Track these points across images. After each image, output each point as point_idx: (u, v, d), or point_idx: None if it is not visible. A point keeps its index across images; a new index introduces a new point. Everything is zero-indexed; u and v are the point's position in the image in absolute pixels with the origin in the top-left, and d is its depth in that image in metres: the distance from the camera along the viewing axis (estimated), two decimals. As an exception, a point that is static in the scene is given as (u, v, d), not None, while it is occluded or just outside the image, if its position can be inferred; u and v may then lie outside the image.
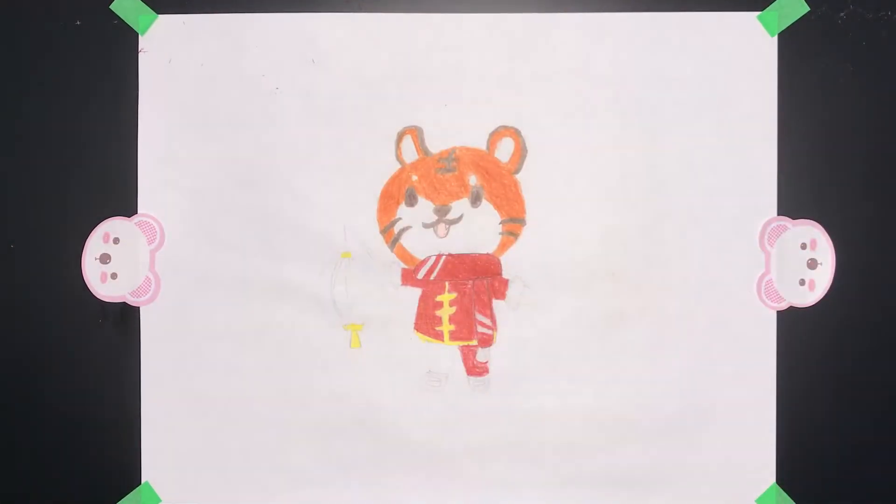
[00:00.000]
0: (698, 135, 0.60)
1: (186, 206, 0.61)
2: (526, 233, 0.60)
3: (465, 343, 0.61)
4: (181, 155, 0.60)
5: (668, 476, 0.61)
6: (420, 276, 0.61)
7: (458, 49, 0.60)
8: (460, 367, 0.61)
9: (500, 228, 0.61)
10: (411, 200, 0.60)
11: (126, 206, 0.61)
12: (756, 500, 0.61)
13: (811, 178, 0.60)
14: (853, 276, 0.60)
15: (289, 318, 0.61)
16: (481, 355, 0.61)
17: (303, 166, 0.60)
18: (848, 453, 0.61)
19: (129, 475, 0.61)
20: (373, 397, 0.61)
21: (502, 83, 0.60)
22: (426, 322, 0.61)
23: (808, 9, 0.60)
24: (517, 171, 0.60)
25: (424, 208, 0.61)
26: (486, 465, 0.61)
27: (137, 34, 0.60)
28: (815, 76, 0.60)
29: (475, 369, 0.61)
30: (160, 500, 0.61)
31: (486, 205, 0.60)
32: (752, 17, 0.60)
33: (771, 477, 0.61)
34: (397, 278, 0.61)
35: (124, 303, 0.61)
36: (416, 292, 0.61)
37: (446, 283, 0.61)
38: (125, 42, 0.60)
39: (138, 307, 0.61)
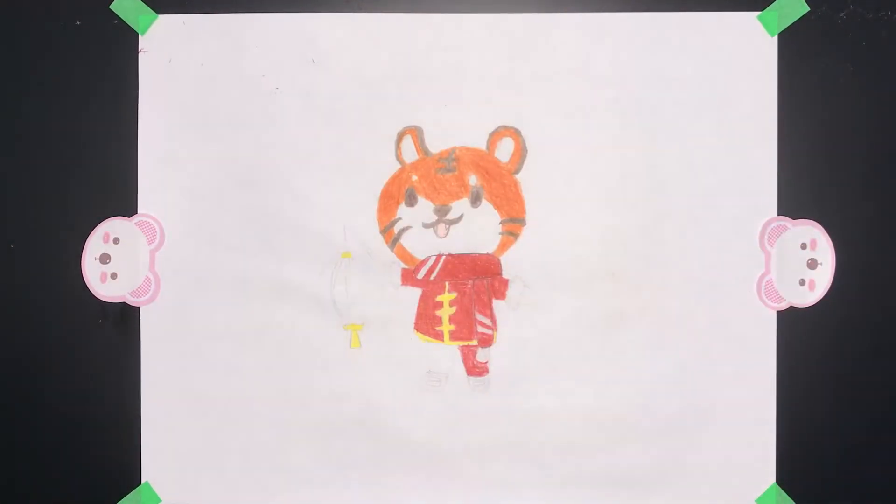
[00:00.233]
0: (698, 135, 0.60)
1: (186, 206, 0.61)
2: (526, 233, 0.60)
3: (465, 343, 0.61)
4: (181, 155, 0.60)
5: (668, 476, 0.61)
6: (420, 276, 0.61)
7: (458, 49, 0.60)
8: (460, 367, 0.61)
9: (500, 228, 0.60)
10: (411, 200, 0.60)
11: (126, 206, 0.61)
12: (756, 500, 0.61)
13: (811, 178, 0.60)
14: (853, 276, 0.60)
15: (289, 318, 0.61)
16: (481, 355, 0.61)
17: (303, 166, 0.60)
18: (848, 453, 0.61)
19: (129, 475, 0.61)
20: (373, 397, 0.61)
21: (502, 83, 0.60)
22: (426, 322, 0.61)
23: (808, 9, 0.60)
24: (517, 171, 0.60)
25: (424, 208, 0.61)
26: (486, 465, 0.61)
27: (137, 34, 0.60)
28: (815, 76, 0.60)
29: (475, 369, 0.61)
30: (160, 500, 0.61)
31: (486, 205, 0.60)
32: (752, 17, 0.60)
33: (771, 477, 0.61)
34: (397, 278, 0.61)
35: (124, 303, 0.61)
36: (416, 292, 0.61)
37: (446, 283, 0.61)
38: (125, 42, 0.60)
39: (138, 307, 0.61)
